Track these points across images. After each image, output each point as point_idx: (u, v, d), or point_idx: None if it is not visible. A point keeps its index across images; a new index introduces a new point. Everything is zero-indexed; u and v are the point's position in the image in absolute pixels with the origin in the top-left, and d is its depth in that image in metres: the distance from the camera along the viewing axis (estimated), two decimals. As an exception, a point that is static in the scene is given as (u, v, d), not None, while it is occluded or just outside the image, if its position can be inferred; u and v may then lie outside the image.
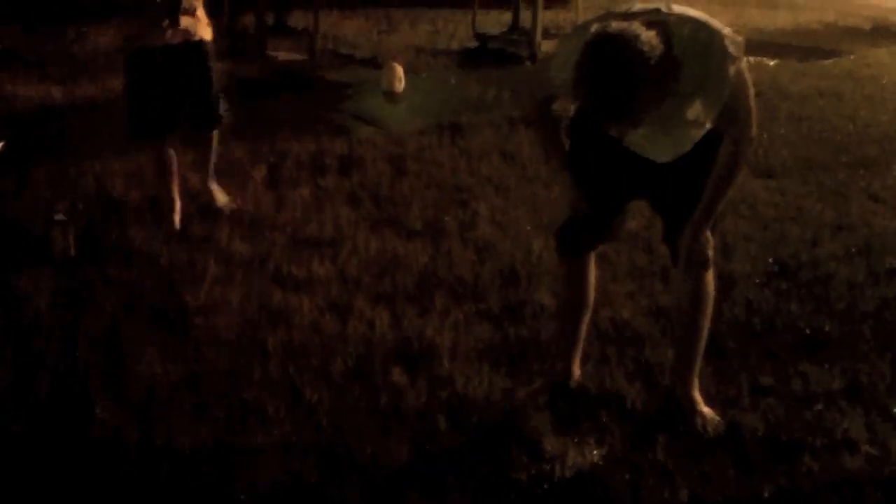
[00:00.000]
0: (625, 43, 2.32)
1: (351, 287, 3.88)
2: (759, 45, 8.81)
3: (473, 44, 8.39)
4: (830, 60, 8.29)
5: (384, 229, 4.44)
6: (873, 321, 3.73)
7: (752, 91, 2.68)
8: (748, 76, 2.66)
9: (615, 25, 2.37)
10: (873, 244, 4.43)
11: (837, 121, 6.40)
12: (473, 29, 8.48)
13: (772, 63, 8.24)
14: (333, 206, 4.69)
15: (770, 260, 4.25)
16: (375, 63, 7.46)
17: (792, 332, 3.63)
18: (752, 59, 8.34)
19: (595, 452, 2.91)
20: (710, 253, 2.93)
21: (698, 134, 2.77)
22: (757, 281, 4.04)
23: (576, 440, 2.95)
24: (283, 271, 4.00)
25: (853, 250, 4.37)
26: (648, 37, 2.34)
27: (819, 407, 3.15)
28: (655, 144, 2.83)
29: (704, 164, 2.78)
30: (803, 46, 8.89)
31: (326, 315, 3.64)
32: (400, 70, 7.01)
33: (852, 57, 8.47)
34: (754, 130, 2.75)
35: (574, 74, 2.40)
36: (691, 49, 2.48)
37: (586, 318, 3.22)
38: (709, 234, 2.88)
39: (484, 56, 8.03)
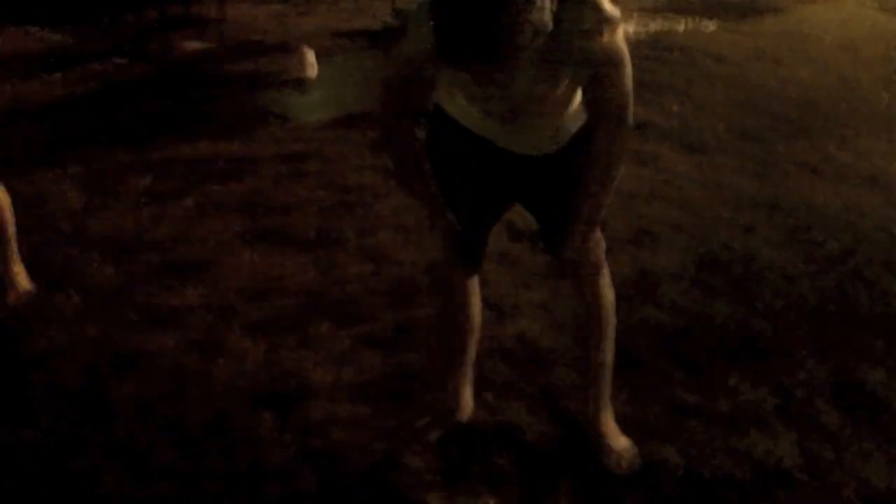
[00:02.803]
0: None
1: (224, 317, 3.40)
2: (697, 6, 8.38)
3: (395, 22, 7.88)
4: (771, 19, 7.87)
5: (271, 243, 3.97)
6: (812, 319, 3.34)
7: (629, 68, 2.25)
8: (626, 50, 2.23)
9: None
10: (812, 225, 4.03)
11: (776, 87, 5.98)
12: (393, 5, 7.97)
13: (711, 25, 7.79)
14: (217, 219, 4.20)
15: (700, 251, 3.83)
16: (287, 49, 6.95)
17: (721, 337, 3.23)
18: (689, 21, 7.91)
19: (487, 504, 2.50)
20: (602, 255, 2.55)
21: (573, 123, 2.41)
22: (683, 278, 3.62)
23: (465, 489, 2.53)
24: (150, 302, 3.52)
25: (791, 234, 3.96)
26: None
27: (749, 430, 2.74)
28: (529, 135, 2.43)
29: (582, 161, 2.38)
30: (743, 5, 8.45)
31: (191, 354, 3.17)
32: (311, 55, 6.51)
33: (794, 14, 8.05)
34: (631, 116, 2.33)
35: (436, 16, 1.93)
36: (566, 6, 2.07)
37: (474, 343, 2.80)
38: (599, 234, 2.50)
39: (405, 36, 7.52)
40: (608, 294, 2.64)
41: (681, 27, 7.77)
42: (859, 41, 7.05)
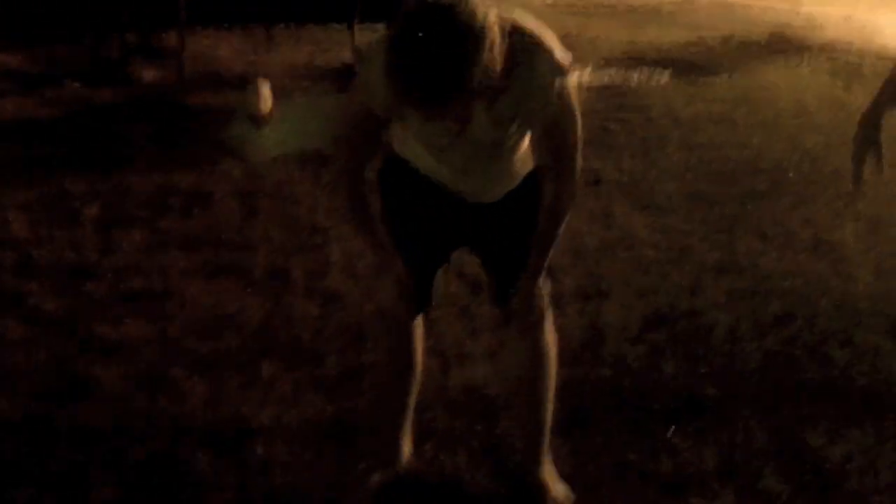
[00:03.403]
0: (451, 3, 1.91)
1: (169, 352, 3.37)
2: (653, 63, 8.50)
3: (354, 63, 7.91)
4: (726, 81, 7.98)
5: (220, 280, 3.95)
6: (755, 381, 3.36)
7: (578, 119, 2.29)
8: (576, 102, 2.27)
9: None
10: (758, 288, 4.08)
11: (729, 149, 6.07)
12: (352, 46, 8.00)
13: (663, 80, 7.90)
14: (167, 253, 4.18)
15: (647, 309, 3.86)
16: (245, 84, 6.93)
17: (665, 396, 3.24)
18: (643, 75, 8.02)
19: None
20: (545, 305, 2.57)
21: (522, 167, 2.44)
22: (630, 335, 3.65)
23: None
24: (95, 333, 3.48)
25: (736, 295, 4.01)
26: (482, 6, 1.93)
27: (689, 491, 2.75)
28: (478, 181, 2.44)
29: (531, 209, 2.44)
30: (699, 64, 8.56)
31: (134, 387, 3.14)
32: (267, 90, 6.49)
33: (748, 77, 8.19)
34: (579, 167, 2.37)
35: (389, 53, 1.94)
36: (519, 55, 2.09)
37: (416, 391, 2.79)
38: (542, 284, 2.51)
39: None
40: (551, 344, 2.65)
41: (633, 80, 7.89)
42: (811, 107, 7.19)
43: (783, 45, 9.45)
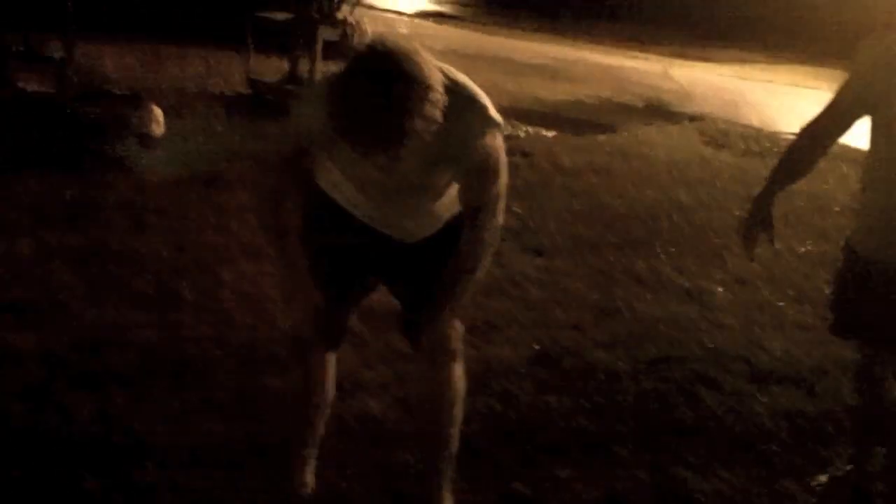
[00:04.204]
0: (401, 50, 2.02)
1: (53, 367, 3.30)
2: (539, 115, 8.75)
3: (247, 90, 7.90)
4: (605, 136, 8.27)
5: (107, 295, 3.89)
6: (632, 419, 3.50)
7: (505, 174, 2.38)
8: (504, 159, 2.37)
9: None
10: (635, 331, 4.24)
11: (607, 198, 6.29)
12: (247, 75, 7.98)
13: (550, 135, 8.16)
14: (51, 265, 4.09)
15: (534, 346, 3.98)
16: (134, 100, 6.84)
17: (550, 429, 3.35)
18: (531, 129, 8.25)
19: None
20: (459, 345, 2.62)
21: (445, 212, 2.52)
22: (517, 370, 3.75)
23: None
24: (-25, 343, 3.39)
25: (614, 336, 4.17)
26: (428, 60, 2.05)
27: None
28: (401, 220, 2.52)
29: (450, 250, 2.48)
30: (581, 120, 8.87)
31: (16, 403, 3.06)
32: (158, 112, 6.44)
33: (625, 133, 8.50)
34: (500, 216, 2.46)
35: (335, 90, 2.05)
36: (454, 106, 2.17)
37: (323, 421, 2.82)
38: (458, 323, 2.57)
39: (257, 105, 7.52)
40: (460, 382, 2.69)
41: (522, 133, 8.11)
42: (682, 164, 7.49)
43: (656, 110, 9.86)
